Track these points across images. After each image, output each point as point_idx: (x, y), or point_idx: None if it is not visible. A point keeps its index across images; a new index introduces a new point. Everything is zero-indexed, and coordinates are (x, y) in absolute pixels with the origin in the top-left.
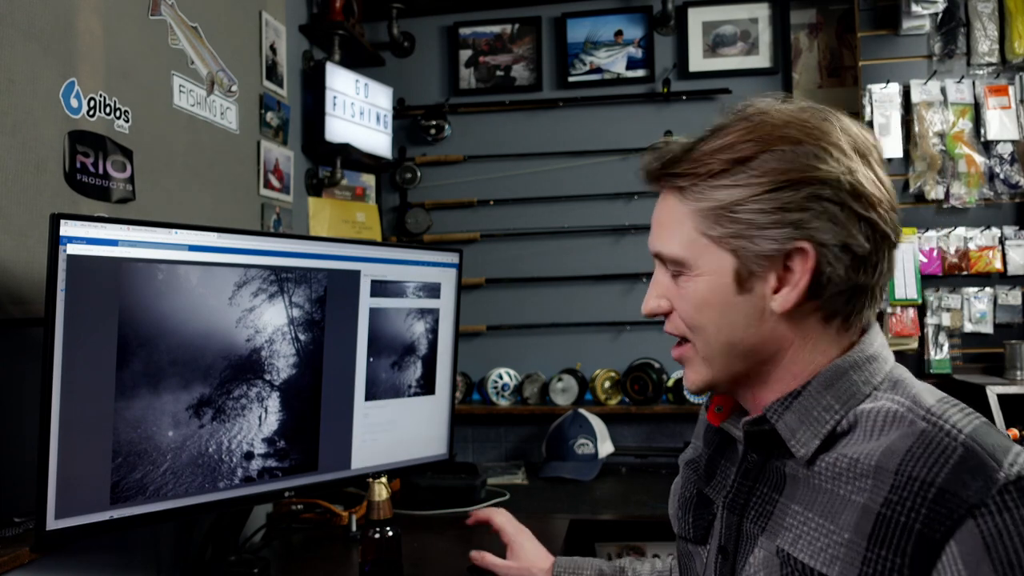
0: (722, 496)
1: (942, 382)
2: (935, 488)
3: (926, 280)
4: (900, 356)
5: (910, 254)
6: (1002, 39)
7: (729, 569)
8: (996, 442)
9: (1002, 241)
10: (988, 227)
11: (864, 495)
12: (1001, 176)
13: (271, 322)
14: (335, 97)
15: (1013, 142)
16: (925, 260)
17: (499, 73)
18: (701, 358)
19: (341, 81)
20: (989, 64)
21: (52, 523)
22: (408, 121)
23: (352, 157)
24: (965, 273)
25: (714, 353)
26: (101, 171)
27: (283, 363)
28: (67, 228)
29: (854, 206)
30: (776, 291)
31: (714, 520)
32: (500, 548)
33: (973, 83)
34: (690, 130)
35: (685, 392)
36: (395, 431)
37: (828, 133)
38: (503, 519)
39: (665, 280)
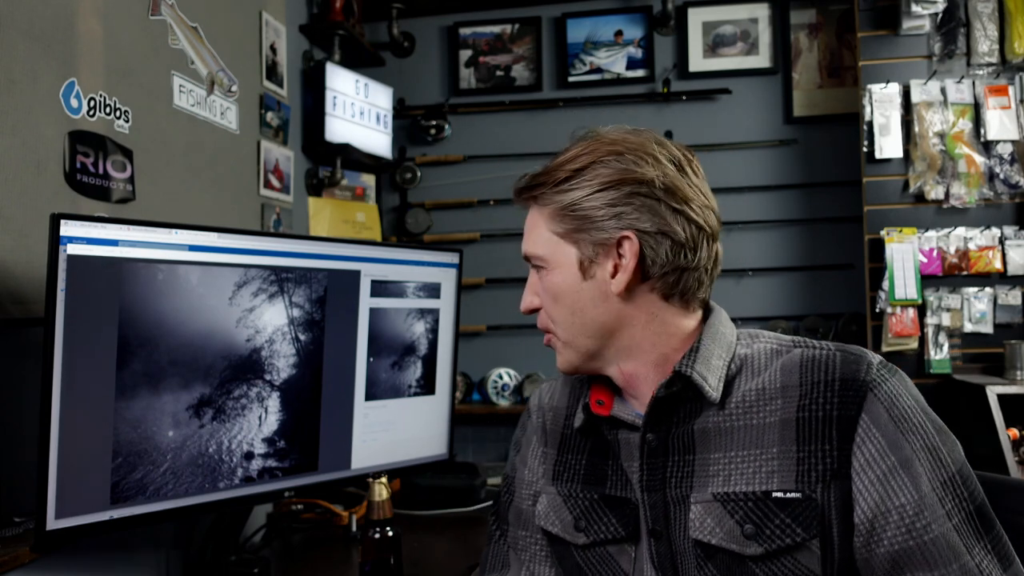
0: (636, 484)
1: (942, 382)
2: (837, 381)
3: (926, 280)
4: (900, 356)
5: (910, 254)
6: (1002, 39)
7: (666, 546)
8: (849, 345)
9: (1002, 241)
10: (988, 227)
11: (777, 414)
12: (1001, 176)
13: (271, 322)
14: (335, 97)
15: (1013, 142)
16: (925, 260)
17: (499, 73)
18: (563, 343)
19: (341, 81)
20: (989, 64)
21: (52, 523)
22: (408, 121)
23: (352, 157)
24: (965, 273)
25: (572, 336)
26: (101, 171)
27: (283, 363)
28: (67, 228)
29: (668, 201)
30: (613, 275)
31: (637, 513)
32: None
33: (973, 83)
34: (690, 130)
35: None
36: (395, 431)
37: (644, 147)
38: None
39: (534, 279)
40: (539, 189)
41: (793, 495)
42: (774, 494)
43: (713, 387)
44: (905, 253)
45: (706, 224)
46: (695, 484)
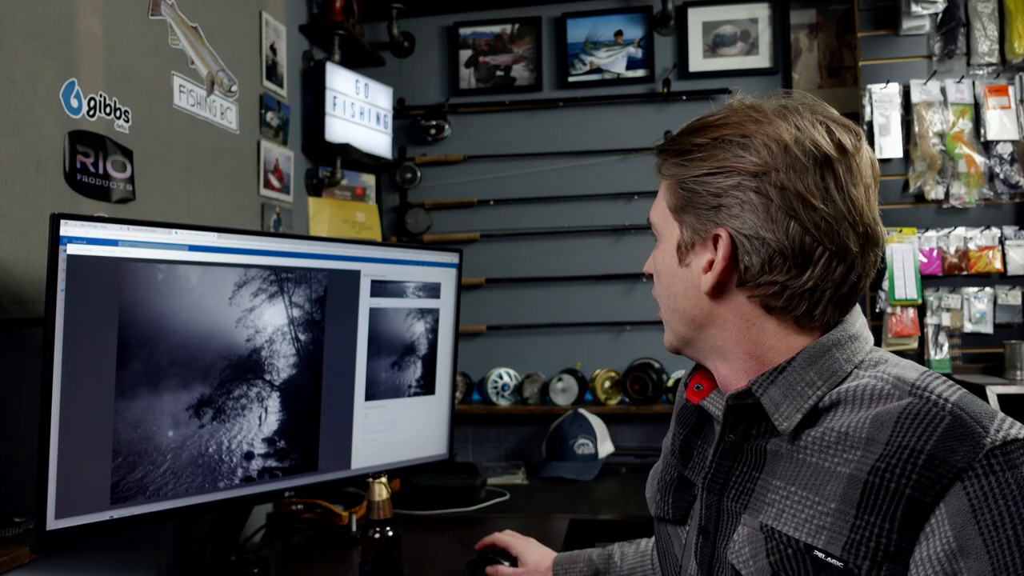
0: (701, 477)
1: None
2: (924, 455)
3: (926, 280)
4: (899, 356)
5: (910, 254)
6: (1002, 39)
7: (710, 549)
8: (981, 409)
9: (1002, 241)
10: (988, 227)
11: (851, 466)
12: (1001, 176)
13: (271, 322)
14: (335, 97)
15: (1013, 142)
16: (925, 260)
17: (499, 73)
18: (666, 319)
19: (341, 81)
20: (989, 64)
21: (52, 523)
22: (408, 121)
23: (352, 157)
24: (965, 273)
25: (667, 317)
26: (101, 171)
27: (283, 363)
28: (67, 228)
29: (782, 202)
30: (706, 270)
31: (694, 501)
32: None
33: (973, 83)
34: None
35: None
36: (395, 431)
37: (777, 129)
38: (507, 537)
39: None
40: (664, 156)
41: (834, 561)
42: (815, 552)
43: (785, 416)
44: (905, 253)
45: (833, 238)
46: (751, 504)
